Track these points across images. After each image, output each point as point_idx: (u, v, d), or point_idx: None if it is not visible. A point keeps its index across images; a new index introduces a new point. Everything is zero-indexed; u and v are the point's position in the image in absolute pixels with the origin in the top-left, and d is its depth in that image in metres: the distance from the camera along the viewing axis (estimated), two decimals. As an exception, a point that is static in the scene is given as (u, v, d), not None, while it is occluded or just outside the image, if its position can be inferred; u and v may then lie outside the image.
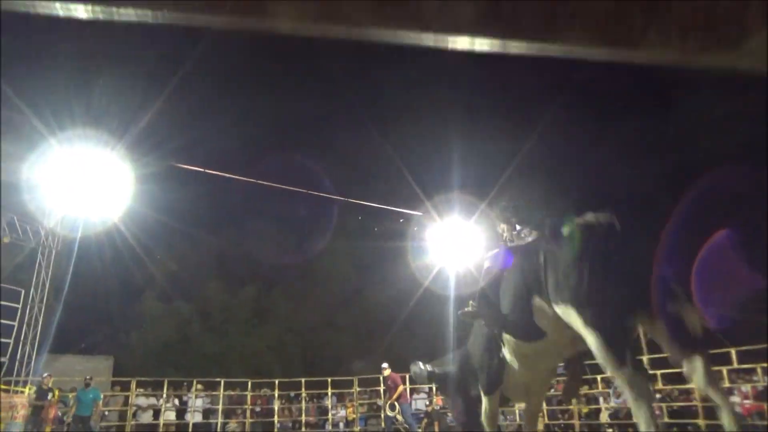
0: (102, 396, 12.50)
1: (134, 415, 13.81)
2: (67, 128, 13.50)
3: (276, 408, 15.57)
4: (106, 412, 13.91)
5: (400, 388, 12.43)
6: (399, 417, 12.34)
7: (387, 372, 12.68)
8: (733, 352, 11.68)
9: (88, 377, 12.15)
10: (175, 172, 15.71)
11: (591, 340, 3.57)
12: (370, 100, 31.85)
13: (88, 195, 13.50)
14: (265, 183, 16.51)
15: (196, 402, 14.78)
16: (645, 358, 13.75)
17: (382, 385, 13.41)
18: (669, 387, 13.11)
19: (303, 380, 16.05)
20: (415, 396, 16.15)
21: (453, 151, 27.18)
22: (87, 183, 13.62)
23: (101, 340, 21.68)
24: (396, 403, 12.24)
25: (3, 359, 13.37)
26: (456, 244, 15.51)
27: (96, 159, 13.37)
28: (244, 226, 28.00)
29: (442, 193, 18.14)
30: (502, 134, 29.73)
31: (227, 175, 15.91)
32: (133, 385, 13.99)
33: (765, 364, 11.36)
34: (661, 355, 13.52)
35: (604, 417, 13.79)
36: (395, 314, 24.27)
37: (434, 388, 16.13)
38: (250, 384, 15.40)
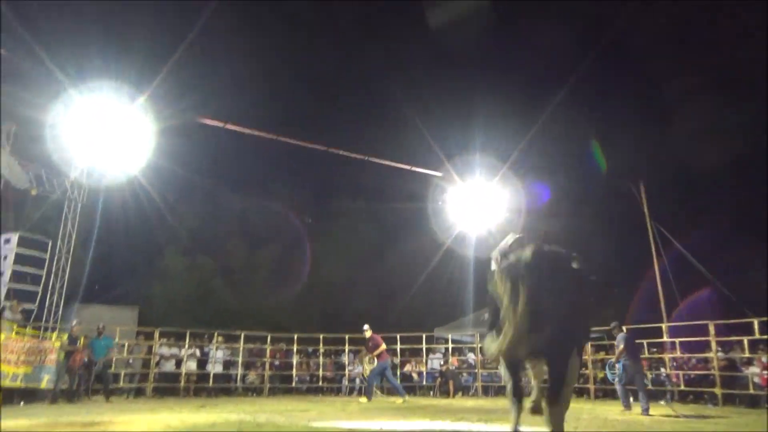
0: (114, 344, 12.96)
1: (157, 363, 14.25)
2: (91, 79, 13.57)
3: (294, 362, 15.91)
4: (131, 360, 14.38)
5: (382, 346, 12.68)
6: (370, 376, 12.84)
7: (368, 333, 12.89)
8: (755, 322, 11.47)
9: (100, 326, 12.54)
10: (199, 126, 15.72)
11: None
12: (392, 59, 31.33)
13: (112, 147, 13.63)
14: (288, 140, 16.45)
15: (217, 353, 15.17)
16: (664, 326, 13.64)
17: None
18: (686, 355, 12.98)
19: (321, 336, 16.34)
20: (431, 356, 16.33)
21: (475, 112, 26.74)
22: (111, 135, 13.76)
23: (126, 291, 22.20)
24: (376, 359, 12.55)
25: (32, 306, 13.81)
26: (476, 206, 15.33)
27: (120, 111, 13.45)
28: (267, 184, 28.18)
29: (463, 154, 17.91)
30: (526, 95, 29.07)
31: (250, 131, 15.86)
32: (157, 335, 14.40)
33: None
34: (680, 323, 13.39)
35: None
36: (415, 275, 24.38)
37: (450, 349, 16.30)
38: (269, 338, 15.73)
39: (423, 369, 16.19)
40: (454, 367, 15.73)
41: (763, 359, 11.62)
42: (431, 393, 15.73)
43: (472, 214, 16.16)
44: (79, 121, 13.47)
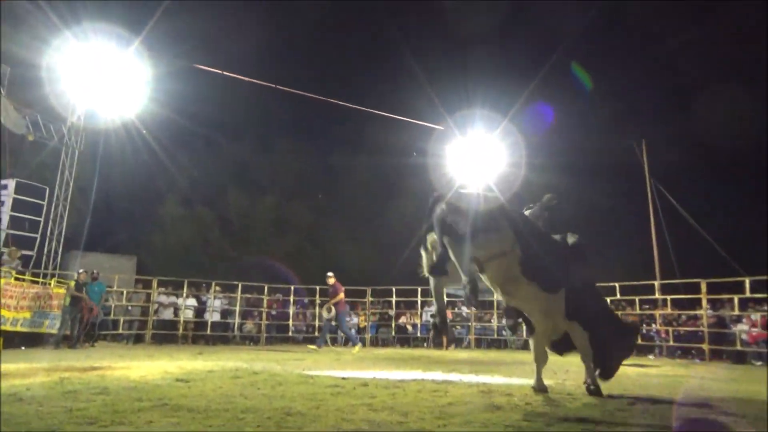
0: (106, 289, 13.09)
1: (156, 311, 14.47)
2: (87, 22, 13.26)
3: (291, 312, 16.16)
4: (130, 308, 14.58)
5: (340, 295, 12.84)
6: (334, 322, 12.90)
7: (332, 281, 12.99)
8: (747, 281, 11.60)
9: (95, 271, 12.66)
10: (198, 73, 15.44)
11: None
12: (393, 9, 30.56)
13: (108, 91, 13.45)
14: (288, 90, 16.20)
15: (215, 302, 15.38)
16: (657, 284, 13.81)
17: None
18: (676, 312, 13.19)
19: (318, 288, 16.52)
20: (426, 308, 16.56)
21: (476, 66, 26.25)
22: (107, 79, 13.55)
23: (125, 240, 22.32)
24: (333, 307, 12.65)
25: (31, 253, 13.90)
26: (476, 160, 15.24)
27: (116, 55, 13.20)
28: (267, 135, 27.92)
29: (464, 108, 17.70)
30: (526, 49, 28.48)
31: (249, 79, 15.58)
32: (155, 284, 14.56)
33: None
34: (671, 281, 13.53)
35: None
36: (414, 229, 24.41)
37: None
38: (266, 288, 15.92)
39: (417, 321, 16.46)
40: (448, 320, 15.98)
41: (753, 317, 11.81)
42: (425, 344, 16.05)
43: (472, 167, 16.08)
44: (75, 65, 13.24)
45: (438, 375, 6.97)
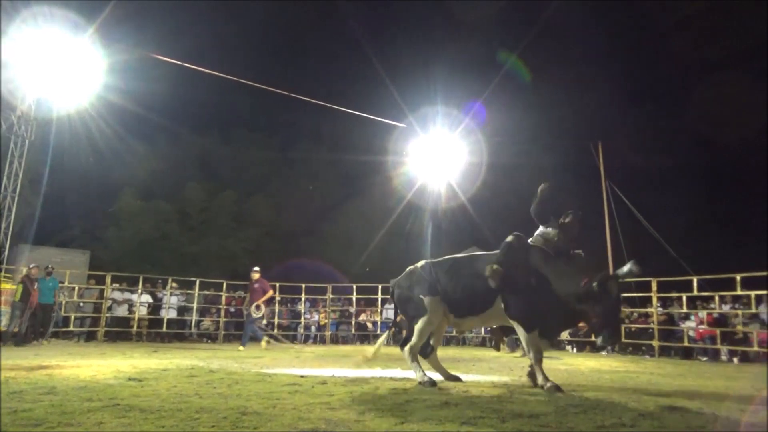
0: (58, 284, 12.70)
1: (109, 308, 14.08)
2: (37, 6, 12.76)
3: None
4: (81, 304, 14.14)
5: (270, 292, 12.61)
6: (264, 321, 12.59)
7: (257, 276, 12.41)
8: (694, 280, 12.04)
9: (49, 267, 12.29)
10: (157, 63, 15.03)
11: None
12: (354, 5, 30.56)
13: (61, 80, 12.97)
14: (250, 83, 15.95)
15: (171, 299, 15.06)
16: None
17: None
18: (628, 309, 13.60)
19: (278, 284, 16.36)
20: (386, 306, 16.61)
21: (437, 65, 26.49)
22: (60, 67, 13.07)
23: (78, 234, 21.64)
24: (262, 305, 12.15)
25: (-24, 247, 13.37)
26: (438, 159, 15.35)
27: (69, 42, 12.74)
28: (228, 128, 27.48)
29: (425, 106, 17.82)
30: (488, 46, 28.92)
31: (210, 71, 15.27)
32: (108, 280, 14.16)
33: (723, 293, 11.76)
34: (628, 279, 13.92)
35: (564, 334, 14.36)
36: (376, 226, 24.50)
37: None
38: (225, 285, 15.70)
39: (378, 318, 16.50)
40: (408, 317, 16.06)
41: (700, 315, 12.28)
42: (385, 342, 16.08)
43: (433, 166, 16.19)
44: (26, 51, 12.72)
45: (397, 372, 7.02)
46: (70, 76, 13.42)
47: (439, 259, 6.43)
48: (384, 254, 24.33)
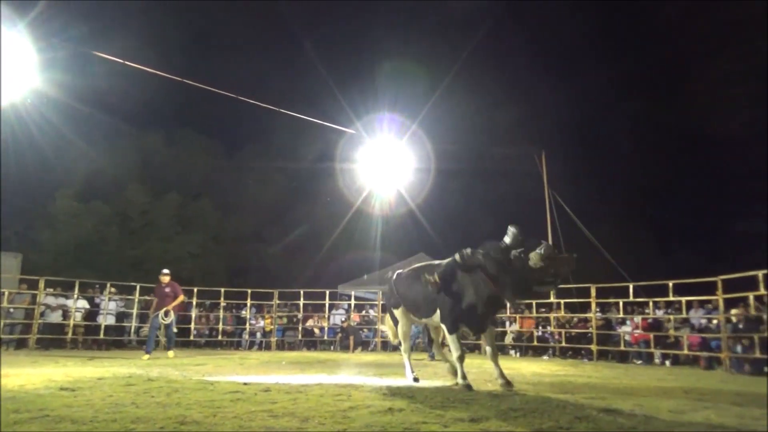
0: None
1: (42, 314, 13.41)
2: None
3: (193, 315, 15.56)
4: (11, 310, 13.41)
5: (182, 297, 11.84)
6: (169, 329, 11.53)
7: (167, 279, 11.51)
8: (630, 286, 12.54)
9: None
10: (97, 60, 14.41)
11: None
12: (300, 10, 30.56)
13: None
14: (193, 83, 15.52)
15: (110, 305, 14.49)
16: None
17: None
18: (569, 315, 14.03)
19: (223, 290, 16.03)
20: (333, 311, 16.53)
21: (384, 72, 26.75)
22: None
23: (9, 236, 20.54)
24: (171, 311, 11.26)
25: None
26: (385, 165, 15.40)
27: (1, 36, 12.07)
28: (172, 129, 26.79)
29: (372, 113, 17.93)
30: (434, 53, 29.43)
31: (154, 71, 14.78)
32: (42, 284, 13.49)
33: (657, 299, 12.29)
34: (565, 285, 14.37)
35: (508, 339, 14.68)
36: (325, 231, 24.41)
37: (352, 305, 16.59)
38: (167, 290, 15.22)
39: (325, 324, 16.39)
40: (355, 323, 16.06)
41: (635, 320, 12.80)
42: (332, 348, 16.02)
43: (381, 173, 16.23)
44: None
45: (342, 378, 6.98)
46: (1, 71, 12.72)
47: (406, 269, 7.27)
48: (333, 260, 24.28)
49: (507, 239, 5.92)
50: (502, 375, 6.23)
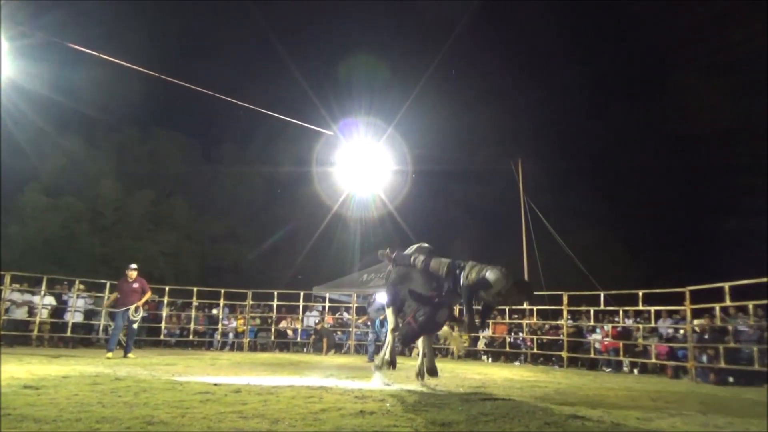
0: None
1: (7, 310, 13.07)
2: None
3: (164, 314, 15.32)
4: (-25, 305, 13.05)
5: (149, 293, 11.41)
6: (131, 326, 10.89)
7: (134, 274, 11.03)
8: (602, 295, 12.73)
9: None
10: (70, 51, 14.10)
11: None
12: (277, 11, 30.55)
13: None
14: (171, 79, 15.28)
15: (78, 302, 14.19)
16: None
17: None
18: (541, 322, 14.18)
19: (195, 289, 15.83)
20: (307, 313, 16.44)
21: (361, 74, 26.83)
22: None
23: (-26, 229, 20.01)
24: (141, 308, 10.99)
25: None
26: (362, 168, 15.42)
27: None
28: (147, 125, 26.37)
29: (350, 115, 17.95)
30: (410, 56, 29.66)
31: (129, 65, 14.51)
32: (8, 280, 13.13)
33: (626, 308, 12.51)
34: (538, 293, 14.54)
35: (480, 344, 14.77)
36: (303, 233, 24.29)
37: (326, 308, 16.51)
38: (138, 288, 14.95)
39: (298, 326, 16.30)
40: (329, 325, 16.00)
41: (605, 327, 13.00)
42: (304, 350, 15.93)
43: (359, 175, 16.25)
44: None
45: (314, 380, 6.94)
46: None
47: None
48: (309, 261, 24.15)
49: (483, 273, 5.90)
50: (421, 372, 6.58)
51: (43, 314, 13.57)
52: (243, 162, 27.35)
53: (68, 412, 3.82)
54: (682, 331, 11.53)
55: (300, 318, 16.22)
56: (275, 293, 16.00)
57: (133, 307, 10.81)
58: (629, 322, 12.74)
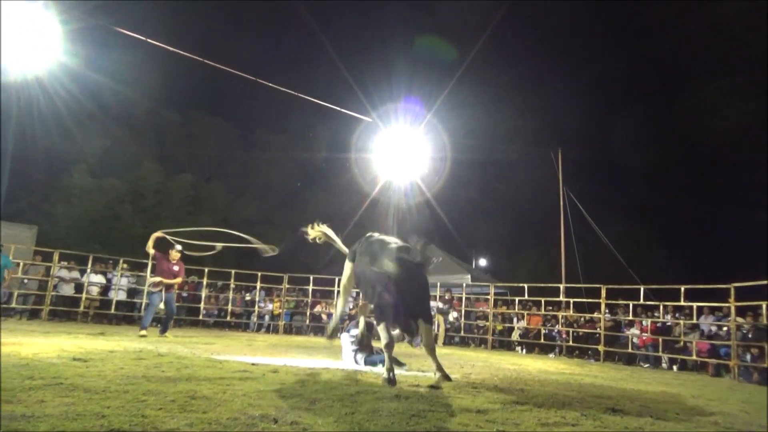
0: (12, 264, 11.96)
1: (55, 286, 13.59)
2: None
3: (203, 295, 15.70)
4: (26, 281, 13.61)
5: (180, 279, 11.34)
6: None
7: (178, 256, 11.09)
8: (641, 289, 12.47)
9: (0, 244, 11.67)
10: (118, 35, 14.44)
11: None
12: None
13: (12, 48, 12.32)
14: (212, 63, 15.48)
15: (121, 280, 14.65)
16: (562, 287, 14.59)
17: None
18: (577, 315, 13.98)
19: (233, 272, 16.14)
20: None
21: (399, 58, 26.67)
22: (11, 33, 12.43)
23: (25, 207, 20.78)
24: (162, 285, 10.71)
25: None
26: (401, 155, 15.38)
27: (22, 6, 12.11)
28: (188, 109, 26.88)
29: (388, 102, 17.89)
30: (451, 41, 29.34)
31: (173, 49, 14.74)
32: (56, 257, 13.66)
33: (667, 303, 12.22)
34: (575, 285, 14.31)
35: (515, 335, 14.67)
36: (334, 218, 24.41)
37: (361, 294, 16.61)
38: (178, 269, 15.33)
39: (333, 311, 16.44)
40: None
41: (644, 323, 12.73)
42: (338, 334, 16.08)
43: (396, 162, 16.20)
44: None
45: (349, 365, 7.02)
46: (22, 42, 12.79)
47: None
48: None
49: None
50: (439, 368, 5.94)
51: (92, 291, 14.05)
52: (278, 147, 27.63)
53: (115, 384, 3.96)
54: (725, 329, 11.21)
55: (334, 303, 16.35)
56: (311, 278, 16.18)
57: (154, 279, 10.84)
58: (669, 318, 12.45)
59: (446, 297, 15.64)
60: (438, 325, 13.71)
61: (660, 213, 26.29)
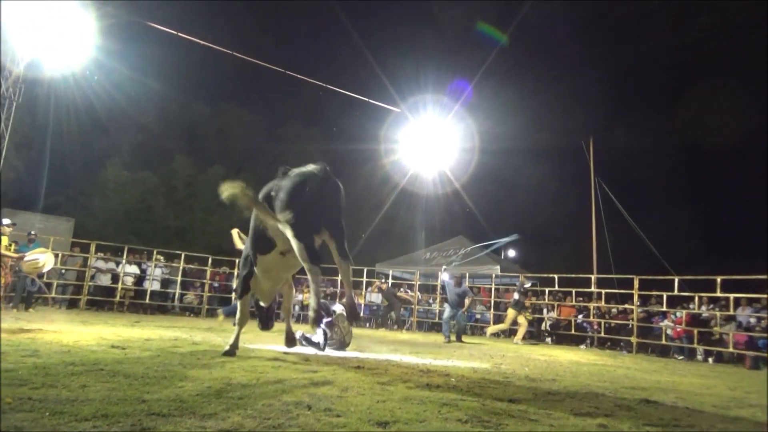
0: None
1: (92, 277, 13.97)
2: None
3: (234, 286, 15.92)
4: (63, 271, 14.02)
5: None
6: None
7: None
8: (676, 280, 12.22)
9: (32, 233, 11.97)
10: (151, 31, 14.72)
11: (294, 246, 5.22)
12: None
13: (51, 42, 12.66)
14: (242, 56, 15.65)
15: (156, 271, 14.98)
16: (593, 277, 14.38)
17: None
18: (608, 306, 13.78)
19: (263, 263, 16.32)
20: (369, 289, 16.67)
21: (428, 50, 26.47)
22: (49, 30, 12.77)
23: (62, 200, 21.39)
24: None
25: (-42, 207, 13.13)
26: (430, 145, 15.33)
27: (58, 5, 12.43)
28: (219, 103, 27.22)
29: (416, 93, 17.80)
30: (478, 33, 28.97)
31: (205, 43, 14.96)
32: (93, 248, 14.03)
33: (703, 294, 11.96)
34: (606, 275, 14.10)
35: (544, 325, 14.54)
36: (363, 209, 24.52)
37: (389, 284, 16.69)
38: (210, 260, 15.61)
39: (362, 301, 16.55)
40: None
41: (678, 314, 12.48)
42: (367, 324, 16.20)
43: (425, 153, 16.17)
44: (14, 11, 12.41)
45: (379, 355, 7.07)
46: (59, 38, 13.10)
47: None
48: (373, 238, 24.39)
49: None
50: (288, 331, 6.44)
51: (127, 282, 14.41)
52: (307, 139, 27.79)
53: (153, 371, 4.07)
54: (763, 321, 10.93)
55: (363, 293, 16.46)
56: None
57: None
58: (704, 309, 12.18)
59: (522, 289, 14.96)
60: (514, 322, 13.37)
61: (698, 202, 25.67)
